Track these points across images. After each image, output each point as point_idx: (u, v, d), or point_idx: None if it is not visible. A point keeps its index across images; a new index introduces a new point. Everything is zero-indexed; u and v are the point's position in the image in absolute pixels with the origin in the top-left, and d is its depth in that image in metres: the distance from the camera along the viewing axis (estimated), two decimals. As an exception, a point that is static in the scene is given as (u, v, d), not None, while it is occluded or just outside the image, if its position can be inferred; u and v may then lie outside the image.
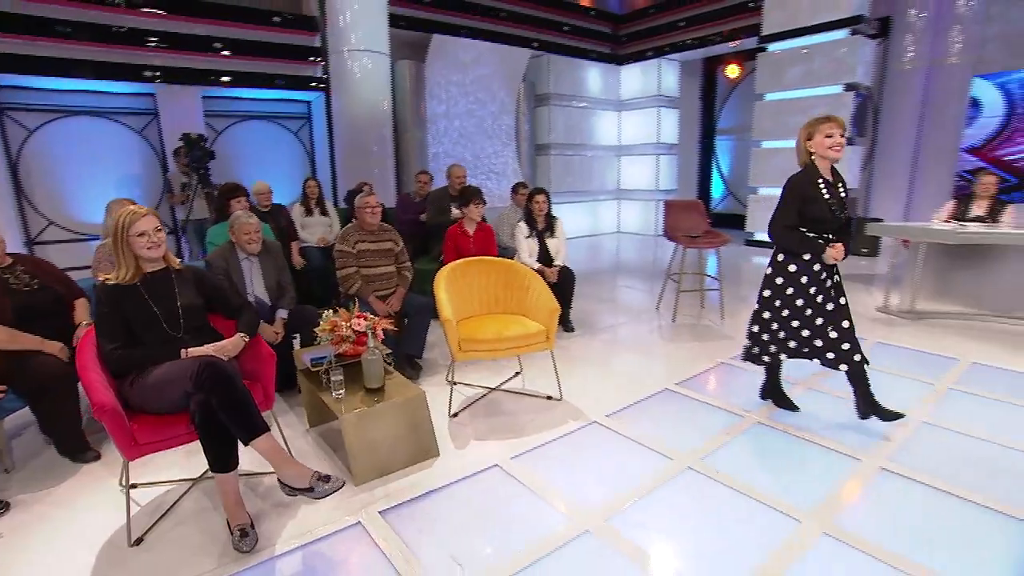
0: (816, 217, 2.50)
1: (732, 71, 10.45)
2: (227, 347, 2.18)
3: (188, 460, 2.51)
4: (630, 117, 10.53)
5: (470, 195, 4.13)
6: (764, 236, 8.48)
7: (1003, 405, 2.95)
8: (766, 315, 2.71)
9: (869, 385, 2.60)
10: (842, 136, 2.46)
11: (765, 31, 8.09)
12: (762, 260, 7.72)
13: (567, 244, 4.50)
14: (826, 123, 2.46)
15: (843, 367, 2.58)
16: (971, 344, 3.90)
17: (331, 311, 2.59)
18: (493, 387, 3.28)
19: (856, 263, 7.25)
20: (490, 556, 1.85)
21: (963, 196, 4.86)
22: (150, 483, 2.33)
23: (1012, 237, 4.00)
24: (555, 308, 3.02)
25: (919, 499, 2.14)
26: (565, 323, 4.39)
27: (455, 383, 3.12)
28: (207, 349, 2.12)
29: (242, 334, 2.27)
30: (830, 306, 2.59)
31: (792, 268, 2.61)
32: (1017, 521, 1.99)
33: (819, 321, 2.60)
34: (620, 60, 10.33)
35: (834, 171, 2.57)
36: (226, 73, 6.47)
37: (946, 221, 4.58)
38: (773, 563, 1.79)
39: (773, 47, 8.08)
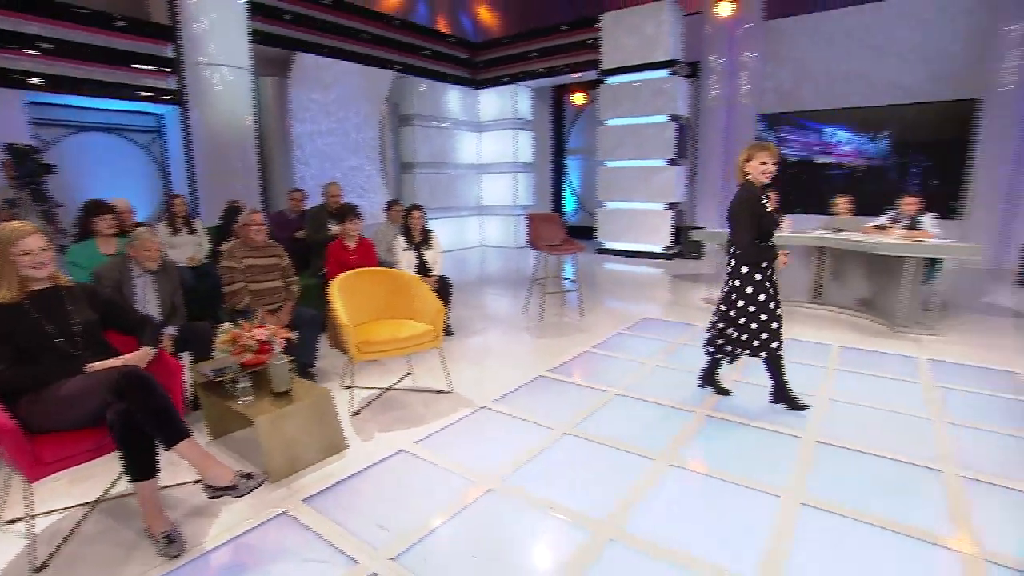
0: (767, 228, 2.85)
1: (578, 98, 11.64)
2: (134, 360, 2.22)
3: (76, 488, 2.44)
4: (489, 137, 11.23)
5: (348, 212, 4.34)
6: (613, 244, 9.67)
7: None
8: (764, 317, 2.92)
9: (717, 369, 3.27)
10: (775, 165, 2.81)
11: (604, 66, 9.25)
12: (613, 266, 8.77)
13: (442, 256, 4.88)
14: (764, 152, 2.81)
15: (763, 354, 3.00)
16: (766, 323, 4.98)
17: (231, 323, 2.69)
18: (387, 387, 3.54)
19: (684, 264, 8.56)
20: (411, 519, 2.15)
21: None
22: (48, 512, 2.26)
23: (786, 239, 5.21)
24: (441, 308, 3.38)
25: (733, 433, 2.85)
26: (445, 327, 4.74)
27: (351, 386, 3.33)
28: (114, 362, 2.15)
29: (148, 347, 2.31)
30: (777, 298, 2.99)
31: (758, 276, 2.90)
32: (791, 437, 2.75)
33: (779, 312, 2.97)
34: (478, 84, 11.00)
35: (763, 188, 2.94)
36: (55, 78, 5.86)
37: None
38: (639, 487, 2.33)
39: (611, 80, 9.26)
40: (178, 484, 2.40)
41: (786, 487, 2.33)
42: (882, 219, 5.54)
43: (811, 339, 4.52)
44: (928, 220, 5.29)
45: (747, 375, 3.65)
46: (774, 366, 3.05)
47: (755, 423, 2.95)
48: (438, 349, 3.40)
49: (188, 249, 4.65)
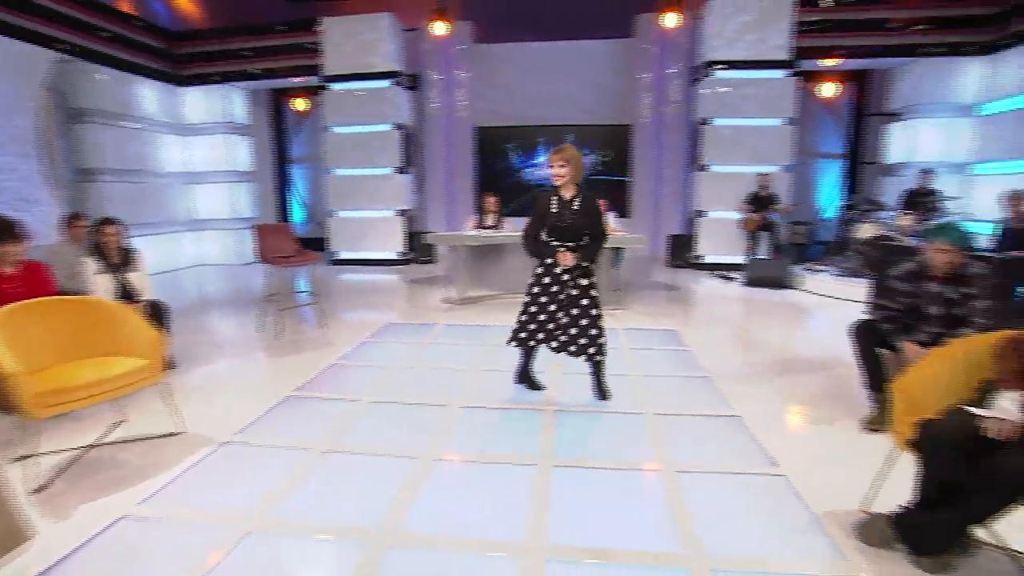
0: (550, 226, 3.01)
1: (300, 104, 11.02)
2: None
3: None
4: (199, 143, 9.86)
5: (4, 229, 3.34)
6: (348, 254, 9.49)
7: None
8: (532, 309, 3.16)
9: (602, 375, 3.26)
10: (561, 167, 2.94)
11: (327, 72, 8.99)
12: (350, 276, 8.61)
13: (149, 277, 4.14)
14: (553, 154, 2.96)
15: (582, 358, 3.15)
16: (499, 315, 5.51)
17: None
18: (90, 444, 2.84)
19: (420, 269, 8.91)
20: (148, 592, 1.79)
21: (480, 211, 6.78)
22: None
23: (510, 238, 5.91)
24: (157, 337, 2.89)
25: (486, 418, 3.11)
26: (165, 360, 4.02)
27: (30, 455, 2.58)
28: None
29: None
30: (574, 310, 3.08)
31: (539, 271, 3.11)
32: (537, 411, 3.14)
33: (563, 319, 3.09)
34: (181, 81, 9.55)
35: (579, 189, 3.04)
36: None
37: (473, 230, 6.30)
38: (408, 488, 2.37)
39: (335, 86, 9.05)
40: None
41: (538, 455, 2.65)
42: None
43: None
44: (612, 218, 6.57)
45: (488, 362, 4.00)
46: (527, 352, 3.39)
47: (505, 406, 3.26)
48: (161, 385, 2.88)
49: None
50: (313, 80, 9.32)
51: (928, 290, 2.93)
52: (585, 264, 3.07)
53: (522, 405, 3.27)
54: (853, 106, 10.00)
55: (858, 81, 9.81)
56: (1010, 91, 7.96)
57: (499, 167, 10.39)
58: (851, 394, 3.38)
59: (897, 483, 2.02)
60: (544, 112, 10.06)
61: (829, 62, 8.88)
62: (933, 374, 2.03)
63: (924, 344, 2.86)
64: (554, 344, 3.18)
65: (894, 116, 9.17)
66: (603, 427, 3.01)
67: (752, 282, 7.38)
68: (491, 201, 6.73)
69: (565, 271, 3.04)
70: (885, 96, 9.41)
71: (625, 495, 2.34)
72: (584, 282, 3.07)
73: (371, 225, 9.44)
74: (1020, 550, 1.89)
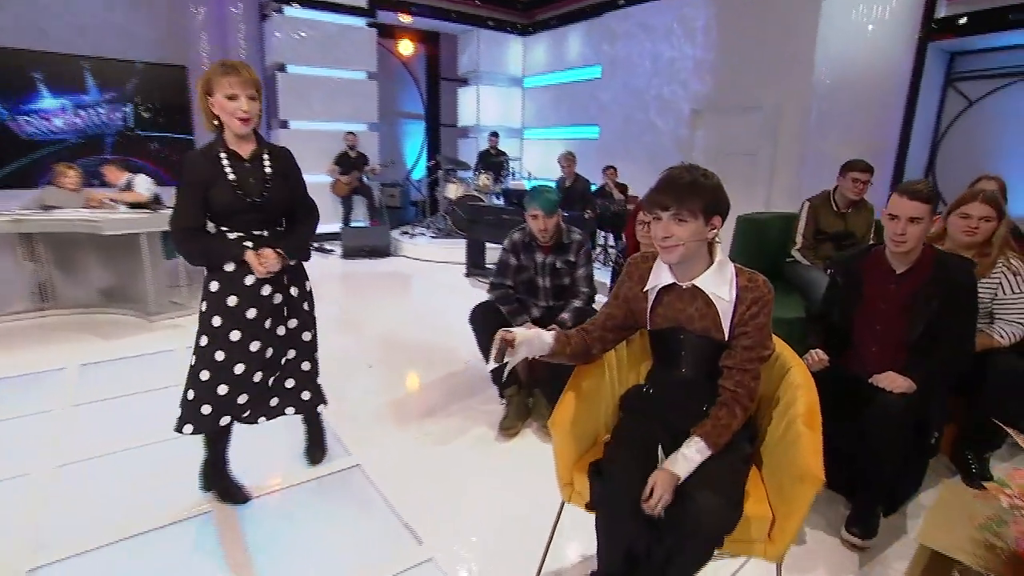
0: (219, 208, 1.75)
1: None
2: None
3: None
4: None
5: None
6: None
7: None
8: (199, 366, 1.80)
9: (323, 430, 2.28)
10: (251, 99, 1.71)
11: None
12: None
13: None
14: (227, 77, 1.66)
15: (290, 410, 2.03)
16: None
17: None
18: None
19: None
20: None
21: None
22: None
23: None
24: None
25: None
26: None
27: None
28: None
29: None
30: (291, 346, 1.94)
31: (214, 287, 1.79)
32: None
33: (269, 356, 1.86)
34: None
35: (258, 137, 1.83)
36: None
37: None
38: None
39: None
40: None
41: None
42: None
43: (37, 367, 3.21)
44: (141, 181, 4.77)
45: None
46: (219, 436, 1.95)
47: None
48: None
49: None
50: None
51: (537, 261, 2.69)
52: (292, 263, 1.91)
53: (59, 555, 1.67)
54: (429, 69, 10.24)
55: (432, 44, 10.01)
56: (540, 70, 9.46)
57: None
58: (479, 389, 2.99)
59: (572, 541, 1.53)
60: (40, 35, 6.83)
61: (405, 18, 8.66)
62: (579, 397, 1.54)
63: (536, 321, 2.63)
64: (264, 409, 1.97)
65: (463, 82, 9.81)
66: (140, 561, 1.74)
67: (350, 252, 6.75)
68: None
69: (264, 281, 1.82)
70: (455, 62, 9.93)
71: None
72: (295, 292, 1.95)
73: None
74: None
